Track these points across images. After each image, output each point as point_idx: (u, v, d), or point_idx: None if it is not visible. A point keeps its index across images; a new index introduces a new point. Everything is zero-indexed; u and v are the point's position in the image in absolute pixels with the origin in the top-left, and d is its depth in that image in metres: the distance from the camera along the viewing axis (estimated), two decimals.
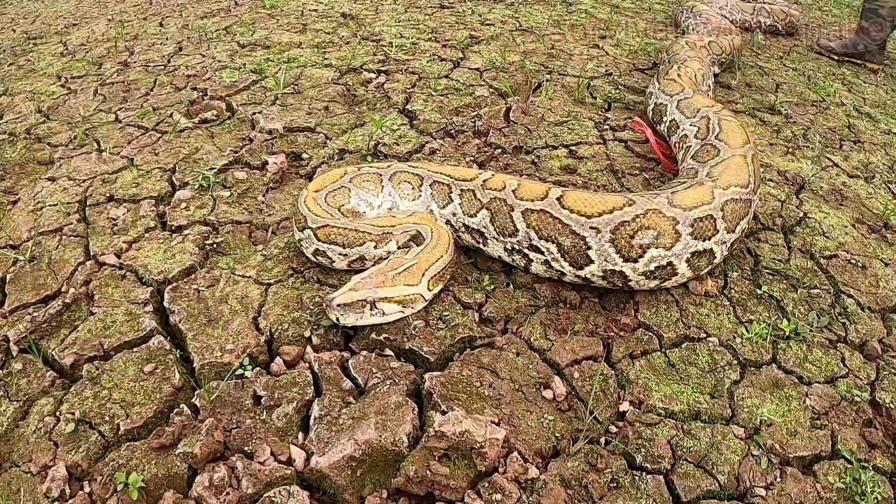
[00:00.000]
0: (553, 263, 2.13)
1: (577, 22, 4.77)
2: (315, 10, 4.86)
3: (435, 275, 2.09)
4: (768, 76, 4.40)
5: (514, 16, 4.77)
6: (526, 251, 2.17)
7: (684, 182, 2.33)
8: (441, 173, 2.37)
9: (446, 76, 3.70)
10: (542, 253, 2.13)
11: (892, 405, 2.04)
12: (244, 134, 3.33)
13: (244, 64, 4.02)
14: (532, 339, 2.04)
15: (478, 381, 1.90)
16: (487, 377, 1.92)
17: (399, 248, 2.22)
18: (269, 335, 2.08)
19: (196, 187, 2.89)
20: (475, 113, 3.24)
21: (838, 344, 2.22)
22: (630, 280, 2.11)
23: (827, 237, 2.75)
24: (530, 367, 1.96)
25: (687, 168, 2.55)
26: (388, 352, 2.01)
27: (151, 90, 3.94)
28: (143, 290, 2.28)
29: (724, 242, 2.23)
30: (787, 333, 2.19)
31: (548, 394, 1.89)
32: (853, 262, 2.61)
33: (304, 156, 3.07)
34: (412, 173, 2.42)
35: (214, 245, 2.51)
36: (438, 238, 2.17)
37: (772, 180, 3.11)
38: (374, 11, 4.78)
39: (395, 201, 2.42)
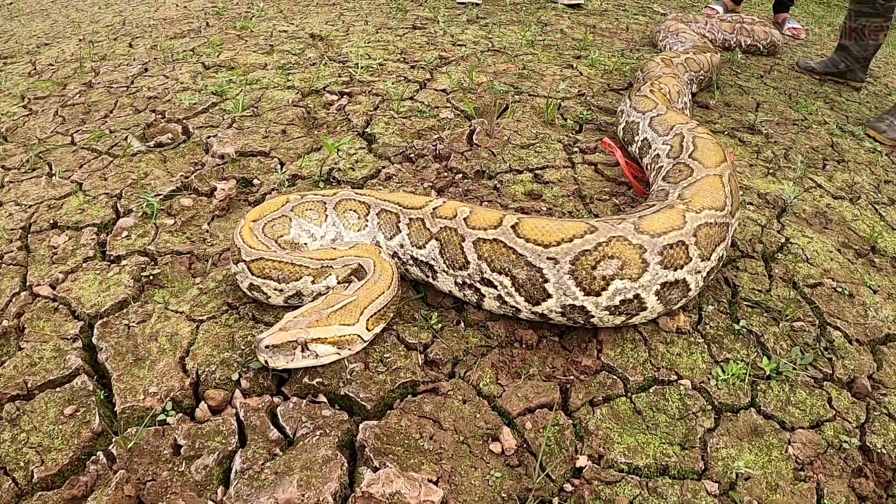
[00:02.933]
0: (507, 299, 1.90)
1: (551, 42, 4.60)
2: (285, 31, 4.68)
3: (375, 313, 1.86)
4: (748, 95, 4.23)
5: (487, 36, 4.60)
6: (477, 285, 1.94)
7: (653, 206, 2.11)
8: (389, 201, 2.15)
9: (411, 98, 3.50)
10: (495, 287, 1.91)
11: (883, 450, 1.81)
12: (198, 158, 3.14)
13: (206, 86, 3.83)
14: (481, 385, 1.80)
15: (417, 433, 1.67)
16: (429, 428, 1.68)
17: (339, 282, 1.99)
18: (195, 377, 1.88)
19: (140, 215, 2.71)
20: (437, 136, 3.03)
21: (824, 383, 1.99)
22: (593, 316, 1.88)
23: (811, 264, 2.54)
24: (478, 416, 1.73)
25: (657, 190, 2.33)
26: (322, 398, 1.79)
27: (111, 112, 3.77)
28: (75, 324, 2.11)
29: (699, 272, 2.01)
30: (768, 373, 1.97)
31: (495, 447, 1.65)
32: (839, 290, 2.40)
33: (255, 182, 2.86)
34: (358, 201, 2.20)
35: (151, 277, 2.34)
36: (381, 272, 1.95)
37: (751, 203, 2.90)
38: (345, 32, 4.60)
39: (340, 231, 2.19)
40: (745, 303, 2.24)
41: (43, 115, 3.88)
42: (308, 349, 1.76)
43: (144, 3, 6.12)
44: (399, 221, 2.10)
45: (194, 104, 3.62)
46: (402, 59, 4.08)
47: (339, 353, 1.82)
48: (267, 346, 1.74)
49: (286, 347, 1.75)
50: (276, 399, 1.80)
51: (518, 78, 3.81)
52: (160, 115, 3.58)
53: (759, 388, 1.92)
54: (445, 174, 2.76)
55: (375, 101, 3.45)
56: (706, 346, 2.01)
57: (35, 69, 4.86)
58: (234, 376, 1.85)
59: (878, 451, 1.80)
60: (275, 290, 2.01)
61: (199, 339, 2.01)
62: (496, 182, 2.72)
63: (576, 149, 3.05)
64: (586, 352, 1.92)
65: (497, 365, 1.86)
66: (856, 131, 4.05)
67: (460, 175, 2.76)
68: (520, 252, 1.84)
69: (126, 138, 3.38)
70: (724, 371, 1.94)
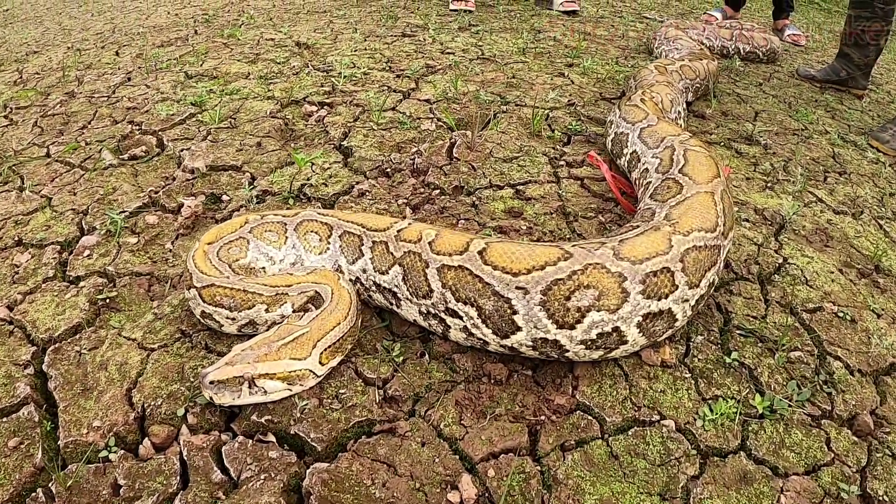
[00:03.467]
0: (473, 331, 1.73)
1: (543, 49, 4.42)
2: (272, 39, 4.54)
3: (330, 346, 1.70)
4: (746, 104, 4.04)
5: (477, 44, 4.43)
6: (442, 315, 1.77)
7: (637, 227, 1.93)
8: (353, 222, 1.99)
9: (393, 108, 3.33)
10: (461, 318, 1.73)
11: (885, 497, 1.62)
12: (169, 172, 2.99)
13: (185, 96, 3.68)
14: (442, 425, 1.63)
15: (369, 479, 1.50)
16: (382, 473, 1.51)
17: (295, 311, 1.83)
18: (140, 411, 1.73)
19: (104, 233, 2.56)
20: (415, 150, 2.86)
21: (822, 421, 1.81)
22: (567, 351, 1.70)
23: (810, 286, 2.35)
24: (436, 460, 1.55)
25: (643, 209, 2.15)
26: (271, 437, 1.63)
27: (90, 123, 3.64)
28: (28, 349, 1.97)
29: (687, 300, 1.82)
30: (761, 411, 1.78)
31: (454, 497, 1.47)
32: (840, 314, 2.21)
33: (224, 198, 2.70)
34: (321, 222, 2.04)
35: (108, 300, 2.19)
36: (338, 301, 1.78)
37: (748, 220, 2.71)
38: (333, 41, 4.45)
39: (300, 255, 2.03)
40: (737, 331, 2.06)
41: (22, 126, 3.76)
42: (256, 385, 1.61)
43: (136, 11, 6.00)
44: (362, 244, 1.94)
45: (171, 115, 3.47)
46: (387, 68, 3.92)
47: (289, 389, 1.66)
48: (212, 382, 1.59)
49: (232, 383, 1.60)
50: (223, 437, 1.64)
51: (506, 87, 3.64)
52: (136, 127, 3.44)
53: (750, 428, 1.74)
54: (422, 190, 2.59)
55: (356, 112, 3.28)
56: (693, 382, 1.83)
57: (21, 77, 4.75)
58: (181, 411, 1.70)
59: (880, 498, 1.62)
60: (227, 318, 1.85)
61: (148, 369, 1.86)
62: (475, 198, 2.55)
63: (562, 162, 2.88)
64: (560, 388, 1.74)
65: (462, 403, 1.68)
66: (858, 141, 3.86)
67: (437, 191, 2.59)
68: (486, 280, 1.67)
69: (100, 151, 3.25)
70: (711, 410, 1.76)
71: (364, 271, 1.92)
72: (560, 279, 1.64)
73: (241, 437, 1.62)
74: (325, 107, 3.37)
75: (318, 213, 2.06)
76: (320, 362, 1.68)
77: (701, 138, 2.64)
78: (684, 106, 3.37)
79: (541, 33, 4.82)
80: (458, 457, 1.57)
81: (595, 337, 1.68)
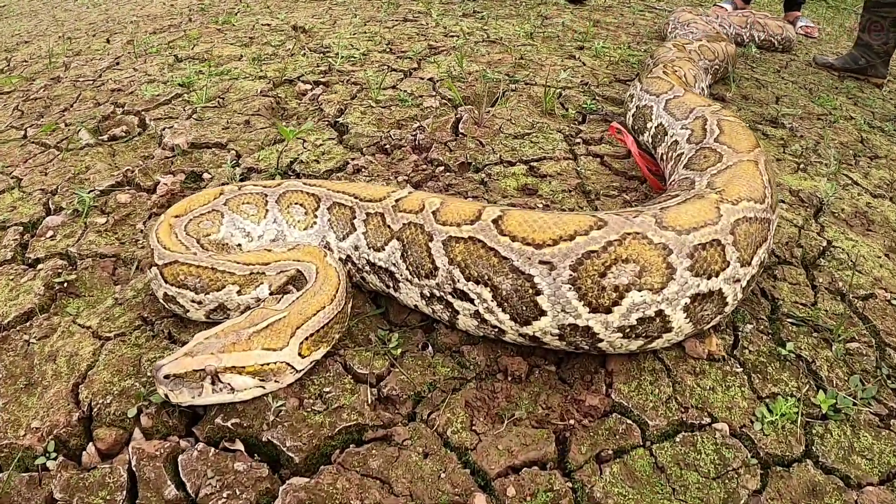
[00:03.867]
0: (487, 316, 1.39)
1: (551, 34, 4.10)
2: (267, 25, 4.22)
3: (312, 334, 1.36)
4: (766, 88, 3.71)
5: (482, 28, 4.11)
6: (449, 298, 1.43)
7: (677, 196, 1.59)
8: (344, 192, 1.65)
9: (393, 87, 3.00)
10: (471, 301, 1.39)
11: None
12: (150, 151, 2.66)
13: (172, 78, 3.36)
14: (449, 432, 1.29)
15: (358, 499, 1.16)
16: (374, 492, 1.18)
17: (272, 293, 1.49)
18: (87, 410, 1.41)
19: (70, 212, 2.23)
20: (417, 125, 2.53)
21: (891, 421, 1.47)
22: (601, 340, 1.37)
23: (859, 271, 2.01)
24: (442, 475, 1.21)
25: (679, 179, 1.82)
26: (238, 445, 1.29)
27: (72, 106, 3.32)
28: None
29: (738, 280, 1.49)
30: (825, 411, 1.45)
31: None
32: (894, 302, 1.87)
33: (206, 176, 2.37)
34: (307, 193, 1.70)
35: (66, 284, 1.87)
36: (323, 282, 1.44)
37: (783, 202, 2.38)
38: (331, 25, 4.13)
39: (282, 230, 1.69)
40: (788, 320, 1.72)
41: (3, 111, 3.45)
42: (220, 380, 1.28)
43: (131, 2, 5.70)
44: (354, 217, 1.60)
45: (157, 95, 3.15)
46: (388, 50, 3.60)
47: (262, 387, 1.33)
48: (167, 377, 1.26)
49: (192, 378, 1.27)
50: (183, 443, 1.32)
51: (514, 67, 3.31)
52: (119, 108, 3.11)
53: (814, 431, 1.41)
54: (424, 167, 2.25)
55: (353, 91, 2.95)
56: (746, 378, 1.49)
57: (9, 65, 4.44)
58: (133, 411, 1.37)
59: None
60: (192, 302, 1.51)
61: (100, 361, 1.54)
62: (483, 175, 2.21)
63: (578, 140, 2.54)
64: (591, 386, 1.40)
65: (473, 404, 1.34)
66: (885, 127, 3.52)
67: (442, 168, 2.26)
68: (503, 254, 1.33)
69: (78, 131, 2.93)
70: (770, 410, 1.42)
71: (356, 248, 1.59)
72: (593, 251, 1.30)
73: (201, 445, 1.28)
74: (321, 85, 3.04)
75: (305, 184, 1.73)
76: (300, 354, 1.35)
77: (732, 111, 2.31)
78: (707, 84, 3.04)
79: (548, 19, 4.49)
80: (469, 471, 1.23)
81: (635, 322, 1.34)
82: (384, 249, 1.52)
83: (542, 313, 1.33)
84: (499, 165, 2.27)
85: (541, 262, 1.30)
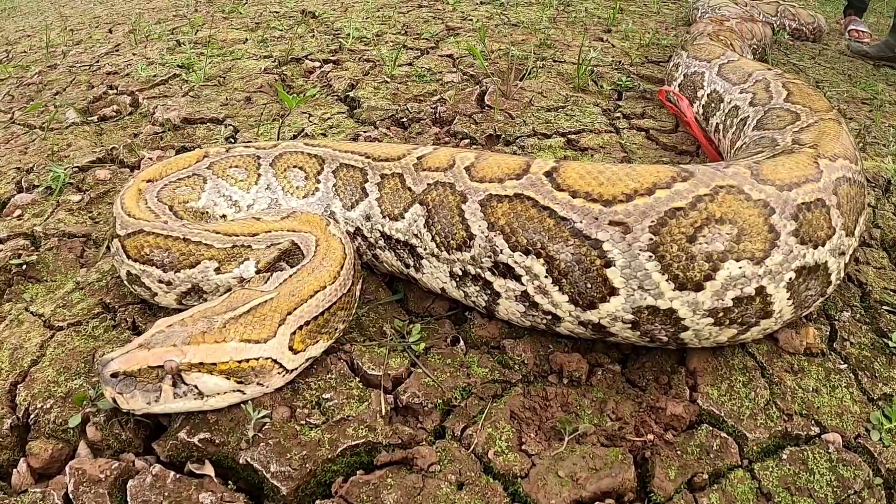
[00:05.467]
0: (538, 298, 1.04)
1: (575, 19, 3.77)
2: (276, 12, 3.92)
3: (308, 322, 1.02)
4: (805, 73, 3.36)
5: (502, 13, 3.78)
6: (488, 277, 1.08)
7: (763, 151, 1.25)
8: (353, 152, 1.31)
9: (409, 64, 2.67)
10: (518, 279, 1.04)
11: None
12: (139, 130, 2.35)
13: (172, 60, 3.05)
14: (492, 453, 0.94)
15: None
16: None
17: (259, 271, 1.15)
18: (23, 417, 1.08)
19: (43, 190, 1.92)
20: (438, 97, 2.20)
21: None
22: (685, 328, 1.02)
23: None
24: None
25: (754, 140, 1.47)
26: (208, 468, 0.94)
27: (65, 90, 3.02)
28: None
29: (843, 253, 1.15)
30: None
31: None
32: None
33: None
34: (308, 154, 1.36)
35: (24, 266, 1.55)
36: (324, 256, 1.10)
37: None
38: (343, 11, 3.82)
39: (277, 198, 1.35)
40: (884, 307, 1.37)
41: None
42: (184, 382, 0.93)
43: None
44: (366, 181, 1.26)
45: (153, 76, 2.84)
46: (403, 32, 3.28)
47: (240, 391, 0.98)
48: (115, 375, 0.92)
49: (147, 377, 0.93)
50: (138, 463, 0.97)
51: (539, 47, 2.98)
52: (112, 89, 2.81)
53: None
54: (447, 140, 1.91)
55: (366, 68, 2.63)
56: (853, 376, 1.14)
57: (8, 56, 4.17)
58: (76, 420, 1.03)
59: None
60: (160, 282, 1.17)
61: (47, 355, 1.22)
62: (516, 148, 1.87)
63: (618, 114, 2.20)
64: (671, 390, 1.04)
65: (520, 415, 0.99)
66: None
67: (467, 140, 1.92)
68: (562, 214, 0.98)
69: (66, 111, 2.63)
70: (887, 417, 1.06)
71: (368, 218, 1.24)
72: (679, 209, 0.95)
73: (158, 468, 0.93)
74: (330, 63, 2.72)
75: (306, 144, 1.39)
76: (291, 348, 1.00)
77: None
78: (752, 58, 2.69)
79: (570, 6, 4.16)
80: None
81: (731, 303, 0.99)
82: (403, 217, 1.18)
83: (613, 292, 0.98)
84: (532, 137, 1.93)
85: (611, 224, 0.95)
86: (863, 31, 4.90)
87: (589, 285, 0.98)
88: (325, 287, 1.06)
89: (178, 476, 0.91)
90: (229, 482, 0.92)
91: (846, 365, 1.18)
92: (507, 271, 1.05)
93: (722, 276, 0.97)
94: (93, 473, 0.93)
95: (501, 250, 1.04)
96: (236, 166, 1.38)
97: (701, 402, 1.03)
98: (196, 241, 1.14)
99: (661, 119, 2.16)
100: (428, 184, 1.15)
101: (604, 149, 1.88)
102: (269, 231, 1.17)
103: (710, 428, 1.00)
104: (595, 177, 0.99)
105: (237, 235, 1.16)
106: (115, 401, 0.94)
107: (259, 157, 1.39)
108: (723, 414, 1.02)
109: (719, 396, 1.05)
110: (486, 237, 1.05)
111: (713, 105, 1.96)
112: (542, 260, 1.00)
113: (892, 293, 1.48)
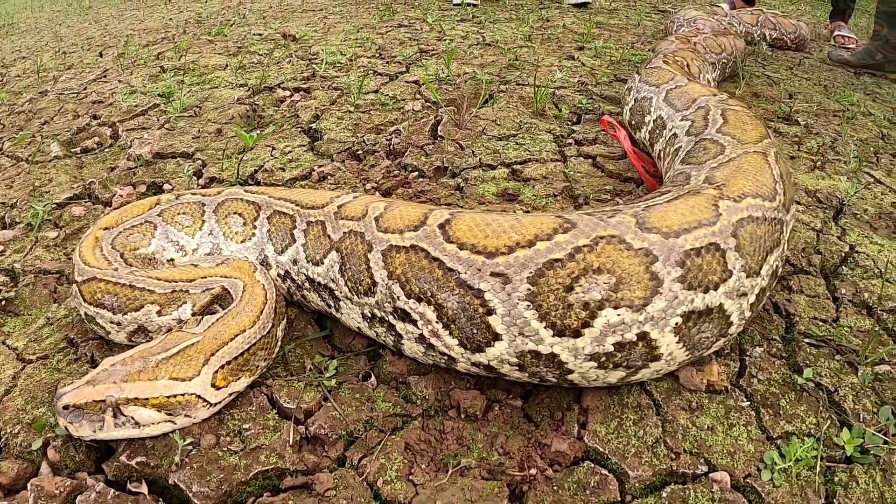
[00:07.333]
0: (433, 341, 1.14)
1: (551, 36, 3.86)
2: (259, 34, 4.05)
3: (230, 362, 1.14)
4: (779, 86, 3.42)
5: (478, 32, 3.88)
6: (391, 320, 1.19)
7: (668, 192, 1.34)
8: (286, 200, 1.43)
9: (375, 91, 2.79)
10: (414, 323, 1.15)
11: None
12: (117, 163, 2.49)
13: (154, 88, 3.19)
14: (381, 482, 1.04)
15: None
16: None
17: (195, 314, 1.27)
18: None
19: (24, 226, 2.07)
20: (394, 129, 2.30)
21: None
22: (571, 371, 1.11)
23: (887, 280, 1.73)
24: None
25: (674, 175, 1.56)
26: (143, 487, 1.07)
27: (53, 118, 3.18)
28: None
29: (745, 294, 1.23)
30: (850, 452, 1.17)
31: None
32: None
33: (166, 186, 2.17)
34: (247, 201, 1.48)
35: (3, 302, 1.70)
36: (247, 301, 1.22)
37: (800, 203, 2.11)
38: (324, 33, 3.94)
39: (218, 242, 1.47)
40: (806, 340, 1.44)
41: None
42: (123, 413, 1.08)
43: (132, 17, 5.61)
44: (294, 227, 1.37)
45: (134, 106, 2.98)
46: (377, 55, 3.39)
47: (171, 422, 1.12)
48: (66, 407, 1.09)
49: (92, 409, 1.10)
50: (89, 481, 1.12)
51: (507, 69, 3.07)
52: (95, 119, 2.96)
53: (836, 479, 1.14)
54: (396, 172, 2.02)
55: (333, 96, 2.74)
56: (754, 414, 1.22)
57: (2, 81, 4.35)
58: (38, 443, 1.19)
59: None
60: (111, 322, 1.31)
61: (18, 385, 1.36)
62: (460, 180, 1.97)
63: (570, 140, 2.29)
64: (561, 427, 1.14)
65: (415, 447, 1.09)
66: None
67: (415, 173, 2.02)
68: (449, 265, 1.09)
69: (50, 143, 2.78)
70: (782, 455, 1.15)
71: (295, 262, 1.35)
72: (557, 260, 1.05)
73: (101, 486, 1.07)
74: (301, 92, 2.83)
75: (246, 191, 1.51)
76: (214, 385, 1.12)
77: (741, 102, 2.05)
78: (713, 78, 2.77)
79: (548, 22, 4.26)
80: None
81: (612, 349, 1.08)
82: (323, 263, 1.29)
83: (497, 338, 1.07)
84: (477, 169, 2.03)
85: (493, 275, 1.05)
86: (849, 37, 4.94)
87: (475, 331, 1.08)
88: (244, 331, 1.18)
89: (117, 493, 1.05)
90: (160, 500, 1.05)
91: (748, 402, 1.25)
92: (405, 316, 1.15)
93: (600, 324, 1.06)
94: (50, 489, 1.08)
95: (399, 297, 1.14)
96: (184, 213, 1.50)
97: (587, 440, 1.12)
98: (140, 287, 1.28)
99: (611, 145, 2.25)
100: (344, 232, 1.26)
101: (546, 178, 1.98)
102: (205, 277, 1.30)
103: (593, 465, 1.08)
104: (482, 229, 1.09)
105: (176, 281, 1.29)
106: (67, 429, 1.11)
107: (204, 204, 1.51)
108: (607, 451, 1.10)
109: (607, 434, 1.13)
110: (386, 284, 1.15)
111: (657, 132, 2.05)
112: (432, 307, 1.10)
113: (820, 323, 1.54)
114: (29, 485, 1.10)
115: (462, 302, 1.07)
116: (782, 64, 3.97)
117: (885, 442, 1.20)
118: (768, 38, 4.38)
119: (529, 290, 1.04)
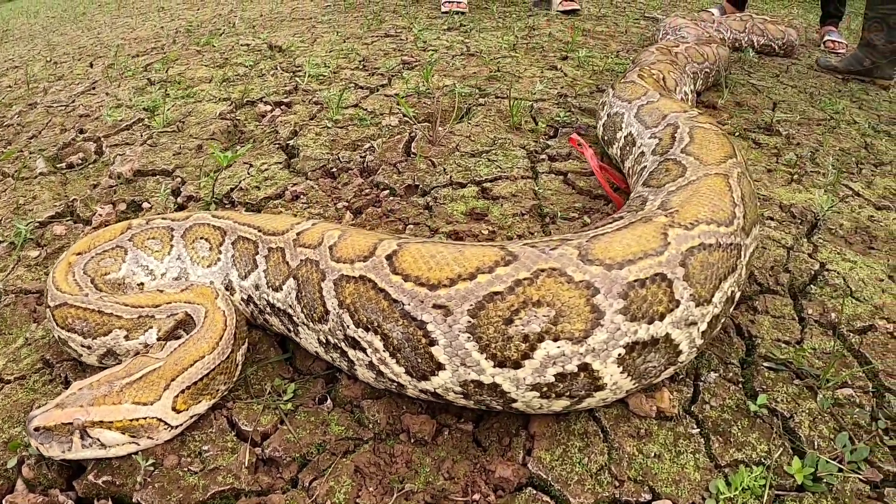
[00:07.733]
0: (382, 368, 1.18)
1: (536, 45, 3.89)
2: (247, 45, 4.09)
3: (190, 386, 1.18)
4: (763, 94, 3.44)
5: (463, 41, 3.92)
6: (343, 346, 1.22)
7: (620, 219, 1.37)
8: (249, 225, 1.47)
9: (355, 105, 2.83)
10: (364, 351, 1.19)
11: None
12: (99, 180, 2.53)
13: (139, 102, 3.24)
14: (328, 503, 1.08)
15: None
16: None
17: (160, 339, 1.32)
18: None
19: (7, 245, 2.11)
20: (368, 146, 2.34)
21: (886, 489, 1.22)
22: (514, 400, 1.14)
23: (857, 298, 1.76)
24: None
25: (633, 198, 1.59)
26: None
27: (41, 132, 3.23)
28: None
29: (694, 323, 1.25)
30: (800, 481, 1.20)
31: None
32: None
33: (145, 205, 2.22)
34: (213, 226, 1.52)
35: None
36: (207, 327, 1.26)
37: (772, 218, 2.13)
38: (311, 44, 3.99)
39: (186, 267, 1.51)
40: (765, 364, 1.47)
41: None
42: (89, 435, 1.14)
43: (124, 26, 5.66)
44: (257, 252, 1.41)
45: (119, 121, 3.02)
46: (361, 67, 3.43)
47: (135, 443, 1.18)
48: (37, 429, 1.15)
49: (61, 431, 1.16)
50: (61, 498, 1.17)
51: (488, 80, 3.11)
52: (81, 134, 3.00)
53: None
54: (368, 191, 2.06)
55: (313, 111, 2.78)
56: (703, 441, 1.25)
57: None
58: (12, 462, 1.24)
59: None
60: (82, 346, 1.36)
61: None
62: (430, 199, 2.01)
63: (544, 156, 2.32)
64: (508, 453, 1.17)
65: (364, 470, 1.13)
66: (892, 131, 3.24)
67: (387, 191, 2.06)
68: (394, 296, 1.12)
69: (36, 159, 2.83)
70: (728, 483, 1.17)
71: (257, 287, 1.39)
72: (497, 293, 1.08)
73: (70, 503, 1.12)
74: (282, 106, 2.88)
75: (213, 216, 1.55)
76: (175, 408, 1.17)
77: (712, 118, 2.07)
78: (692, 89, 2.80)
79: (535, 30, 4.29)
80: None
81: (553, 379, 1.11)
82: (282, 289, 1.33)
83: (440, 367, 1.11)
84: (447, 188, 2.06)
85: (434, 307, 1.09)
86: (838, 42, 4.95)
87: (419, 360, 1.12)
88: (204, 357, 1.22)
89: None
90: None
91: (698, 429, 1.28)
92: (355, 343, 1.19)
93: (540, 355, 1.09)
94: None
95: (349, 325, 1.18)
96: (153, 238, 1.55)
97: (531, 466, 1.15)
98: (108, 312, 1.33)
99: (583, 161, 2.28)
100: (301, 259, 1.30)
101: (515, 197, 2.01)
102: (170, 302, 1.35)
103: (535, 492, 1.11)
104: (427, 261, 1.13)
105: (143, 307, 1.34)
106: (38, 449, 1.17)
107: (173, 229, 1.55)
108: (550, 478, 1.13)
109: (552, 460, 1.17)
110: (337, 313, 1.19)
111: (627, 148, 2.08)
112: (379, 336, 1.14)
113: (783, 345, 1.55)
114: (4, 501, 1.16)
115: (406, 332, 1.11)
116: (769, 71, 3.99)
117: (840, 470, 1.22)
118: (756, 44, 4.40)
119: (470, 322, 1.08)
